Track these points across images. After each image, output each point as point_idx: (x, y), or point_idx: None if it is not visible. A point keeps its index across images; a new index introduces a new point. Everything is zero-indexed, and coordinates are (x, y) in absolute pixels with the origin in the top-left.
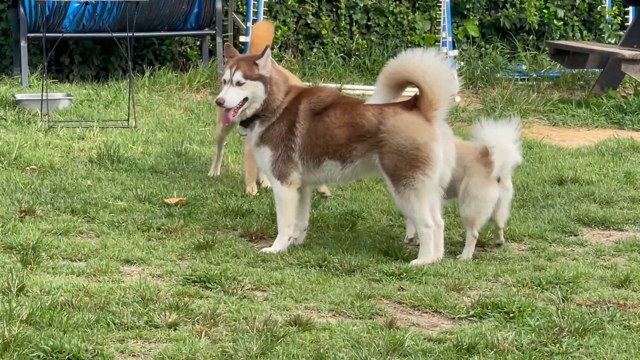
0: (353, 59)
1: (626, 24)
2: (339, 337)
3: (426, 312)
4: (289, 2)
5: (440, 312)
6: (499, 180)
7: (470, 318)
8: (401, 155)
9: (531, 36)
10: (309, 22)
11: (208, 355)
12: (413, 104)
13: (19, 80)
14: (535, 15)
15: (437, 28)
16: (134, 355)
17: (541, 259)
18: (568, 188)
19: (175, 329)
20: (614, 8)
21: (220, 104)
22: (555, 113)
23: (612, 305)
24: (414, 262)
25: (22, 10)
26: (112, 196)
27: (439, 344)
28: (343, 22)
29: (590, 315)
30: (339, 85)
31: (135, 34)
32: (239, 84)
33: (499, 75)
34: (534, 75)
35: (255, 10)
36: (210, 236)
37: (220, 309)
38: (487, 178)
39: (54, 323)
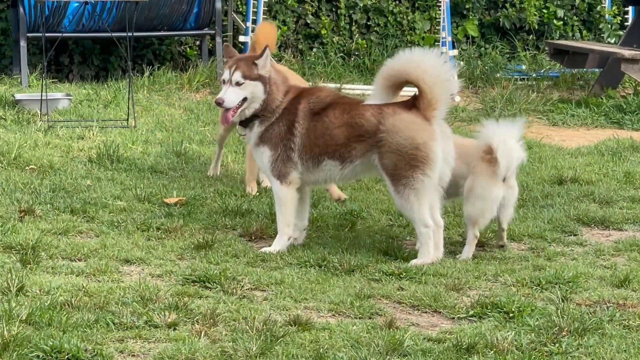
0: (353, 58)
1: (626, 23)
2: (339, 337)
3: (426, 312)
4: (289, 2)
5: (440, 312)
6: (504, 179)
7: (469, 318)
8: (400, 155)
9: (531, 36)
10: (309, 22)
11: (207, 355)
12: (412, 104)
13: (19, 80)
14: (535, 15)
15: (437, 28)
16: (134, 355)
17: (541, 259)
18: (568, 188)
19: (174, 329)
20: (613, 8)
21: (219, 104)
22: (554, 113)
23: (611, 305)
24: (413, 261)
25: (21, 10)
26: (112, 196)
27: (438, 344)
28: (343, 22)
29: (590, 315)
30: (338, 85)
31: (134, 34)
32: (238, 84)
33: (498, 75)
34: (534, 75)
35: (255, 10)
36: (210, 236)
37: (219, 308)
38: (492, 177)
39: (53, 323)
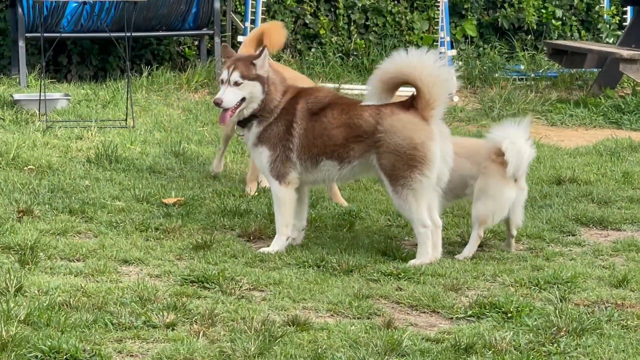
0: (351, 58)
1: (624, 23)
2: (337, 337)
3: (424, 312)
4: (287, 2)
5: (438, 312)
6: (515, 180)
7: (468, 318)
8: (399, 155)
9: (529, 36)
10: (307, 22)
11: (206, 355)
12: (410, 104)
13: (17, 80)
14: (534, 15)
15: (435, 28)
16: (132, 356)
17: (539, 259)
18: (566, 188)
19: (173, 329)
20: (612, 8)
21: (217, 104)
22: (553, 113)
23: (609, 305)
24: (412, 262)
25: (20, 10)
26: (110, 196)
27: (436, 344)
28: (341, 22)
29: (588, 315)
30: (337, 85)
31: (133, 34)
32: (236, 84)
33: (497, 75)
34: (532, 75)
35: (254, 10)
36: (208, 236)
37: (218, 309)
38: (505, 177)
39: (51, 323)
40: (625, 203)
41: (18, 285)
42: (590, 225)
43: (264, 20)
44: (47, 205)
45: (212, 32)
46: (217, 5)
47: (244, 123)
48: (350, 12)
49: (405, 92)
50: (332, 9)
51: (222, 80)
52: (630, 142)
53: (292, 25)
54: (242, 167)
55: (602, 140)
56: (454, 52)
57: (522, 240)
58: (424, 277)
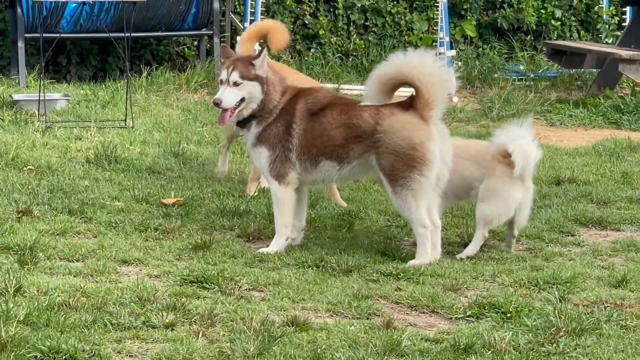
0: (350, 59)
1: (623, 24)
2: (336, 337)
3: (423, 312)
4: (287, 2)
5: (438, 312)
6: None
7: (467, 318)
8: (398, 155)
9: (529, 36)
10: (307, 22)
11: (205, 356)
12: (409, 104)
13: (17, 81)
14: (533, 15)
15: (435, 28)
16: (131, 356)
17: (538, 259)
18: (565, 188)
19: (172, 330)
20: (611, 8)
21: (217, 104)
22: (552, 113)
23: (609, 305)
24: (411, 262)
25: (19, 10)
26: (110, 196)
27: (436, 344)
28: (340, 22)
29: (587, 315)
30: (336, 86)
31: (132, 34)
32: (235, 84)
33: (496, 75)
34: (532, 75)
35: (253, 10)
36: (208, 236)
37: (217, 309)
38: (512, 178)
39: (51, 323)
40: (625, 203)
41: (17, 285)
42: (590, 226)
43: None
44: (46, 206)
45: (211, 32)
46: (216, 5)
47: (243, 123)
48: (349, 12)
49: (405, 93)
50: (332, 10)
51: (221, 81)
52: (630, 143)
53: (292, 26)
54: (241, 168)
55: (601, 140)
56: (453, 52)
57: (522, 241)
58: (423, 277)
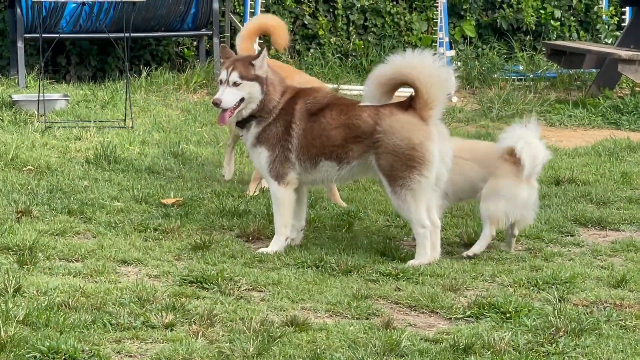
0: (350, 59)
1: (623, 24)
2: (336, 337)
3: (423, 313)
4: (286, 3)
5: (437, 313)
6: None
7: (466, 318)
8: (397, 155)
9: (528, 37)
10: (306, 22)
11: (205, 356)
12: (409, 104)
13: (16, 81)
14: (532, 15)
15: (434, 29)
16: (131, 356)
17: (538, 259)
18: (565, 188)
19: (171, 330)
20: (610, 8)
21: (216, 104)
22: (552, 113)
23: (608, 305)
24: (410, 262)
25: (18, 10)
26: (109, 197)
27: (435, 344)
28: (340, 22)
29: (587, 316)
30: (335, 86)
31: (132, 35)
32: (235, 84)
33: (495, 75)
34: (531, 75)
35: (252, 10)
36: (207, 237)
37: (217, 309)
38: (518, 177)
39: (50, 324)
40: (624, 203)
41: (17, 285)
42: (589, 226)
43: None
44: (45, 206)
45: (210, 32)
46: (215, 6)
47: (242, 124)
48: (349, 12)
49: (405, 93)
50: (331, 10)
51: (220, 81)
52: (629, 143)
53: (291, 26)
54: (240, 168)
55: (600, 140)
56: (452, 52)
57: (521, 241)
58: (422, 277)
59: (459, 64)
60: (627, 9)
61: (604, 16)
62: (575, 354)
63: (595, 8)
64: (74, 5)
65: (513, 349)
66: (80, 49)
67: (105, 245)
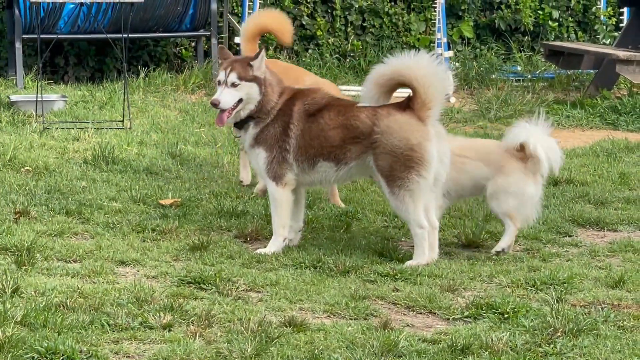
0: (348, 60)
1: (621, 24)
2: (334, 338)
3: (421, 313)
4: (285, 3)
5: (435, 313)
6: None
7: (464, 319)
8: (395, 156)
9: (526, 37)
10: (304, 23)
11: (202, 356)
12: (406, 105)
13: (14, 82)
14: (530, 16)
15: (432, 29)
16: (129, 356)
17: (536, 260)
18: (563, 189)
19: (169, 330)
20: (608, 9)
21: (215, 105)
22: (550, 114)
23: (606, 305)
24: (408, 263)
25: (16, 11)
26: (107, 197)
27: (433, 345)
28: (338, 23)
29: (585, 316)
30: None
31: (130, 35)
32: (233, 85)
33: (494, 76)
34: (529, 76)
35: (251, 11)
36: (205, 237)
37: (214, 310)
38: (526, 174)
39: (48, 324)
40: (622, 204)
41: (15, 286)
42: (587, 226)
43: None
44: (43, 207)
45: (209, 33)
46: (214, 6)
47: (240, 124)
48: (347, 13)
49: (404, 94)
50: (329, 10)
51: (219, 82)
52: (627, 143)
53: None
54: (238, 169)
55: (598, 141)
56: (450, 53)
57: (519, 241)
58: (420, 278)
59: (457, 64)
60: (625, 10)
61: (602, 17)
62: (573, 354)
63: (594, 9)
64: (72, 6)
65: (511, 350)
66: (79, 50)
67: (103, 246)
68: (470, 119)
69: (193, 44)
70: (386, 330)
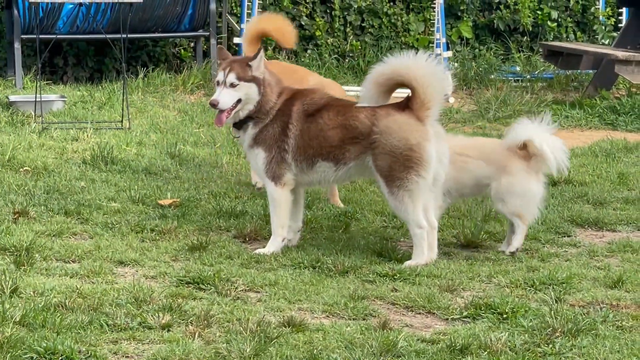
0: (347, 60)
1: (619, 25)
2: (333, 338)
3: (419, 313)
4: (283, 4)
5: (434, 313)
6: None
7: (463, 319)
8: (394, 156)
9: (525, 37)
10: (303, 23)
11: (201, 357)
12: (405, 105)
13: (13, 82)
14: (529, 16)
15: (431, 29)
16: (127, 357)
17: (534, 260)
18: (561, 189)
19: (168, 330)
20: (607, 9)
21: (213, 105)
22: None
23: (605, 305)
24: (407, 263)
25: (15, 11)
26: (106, 197)
27: (432, 345)
28: (337, 23)
29: (583, 316)
30: None
31: (129, 36)
32: (232, 85)
33: (492, 76)
34: (528, 76)
35: (250, 11)
36: (204, 237)
37: (213, 310)
38: (530, 173)
39: (47, 324)
40: (621, 204)
41: (13, 286)
42: (586, 226)
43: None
44: (42, 207)
45: (207, 33)
46: (212, 6)
47: (239, 125)
48: (346, 13)
49: (403, 94)
50: (328, 11)
51: (217, 82)
52: (626, 144)
53: None
54: (237, 169)
55: (597, 141)
56: (449, 53)
57: None
58: (419, 278)
59: (456, 64)
60: (623, 10)
61: (600, 17)
62: (571, 354)
63: (592, 9)
64: (71, 6)
65: (510, 350)
66: (78, 50)
67: (102, 246)
68: (469, 119)
69: (192, 44)
70: (385, 331)
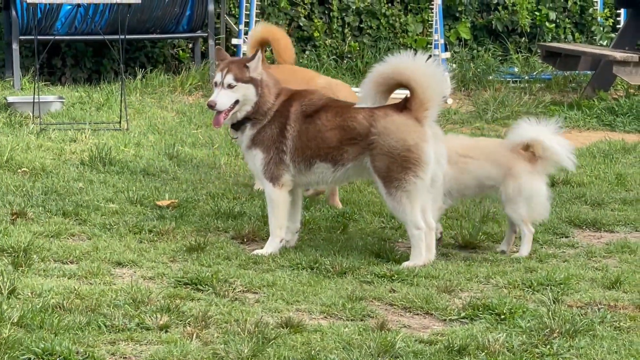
0: (345, 61)
1: (618, 26)
2: (330, 339)
3: (417, 314)
4: (281, 5)
5: (432, 314)
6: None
7: (461, 320)
8: (392, 157)
9: (523, 38)
10: (301, 24)
11: (199, 358)
12: (404, 106)
13: (11, 83)
14: (527, 17)
15: (429, 30)
16: (125, 358)
17: (532, 261)
18: (559, 190)
19: (166, 331)
20: (605, 10)
21: (211, 106)
22: (547, 115)
23: (602, 306)
24: (405, 264)
25: (13, 12)
26: (104, 199)
27: (430, 346)
28: (335, 24)
29: (581, 317)
30: None
31: (127, 37)
32: (230, 86)
33: (491, 77)
34: (526, 77)
35: (248, 12)
36: (202, 238)
37: (211, 311)
38: (534, 174)
39: (45, 325)
40: (619, 205)
41: (11, 287)
42: (584, 227)
43: (257, 23)
44: (40, 208)
45: (206, 34)
46: (211, 7)
47: (237, 126)
48: (344, 14)
49: (401, 95)
50: (326, 12)
51: (215, 83)
52: (624, 144)
53: (286, 28)
54: (235, 170)
55: (595, 142)
56: (447, 54)
57: (516, 242)
58: (417, 279)
59: (454, 65)
60: (622, 11)
61: (599, 18)
62: (569, 355)
63: (590, 10)
64: (69, 7)
65: (507, 350)
66: (76, 51)
67: (100, 247)
68: (467, 120)
69: (190, 45)
70: (383, 331)
